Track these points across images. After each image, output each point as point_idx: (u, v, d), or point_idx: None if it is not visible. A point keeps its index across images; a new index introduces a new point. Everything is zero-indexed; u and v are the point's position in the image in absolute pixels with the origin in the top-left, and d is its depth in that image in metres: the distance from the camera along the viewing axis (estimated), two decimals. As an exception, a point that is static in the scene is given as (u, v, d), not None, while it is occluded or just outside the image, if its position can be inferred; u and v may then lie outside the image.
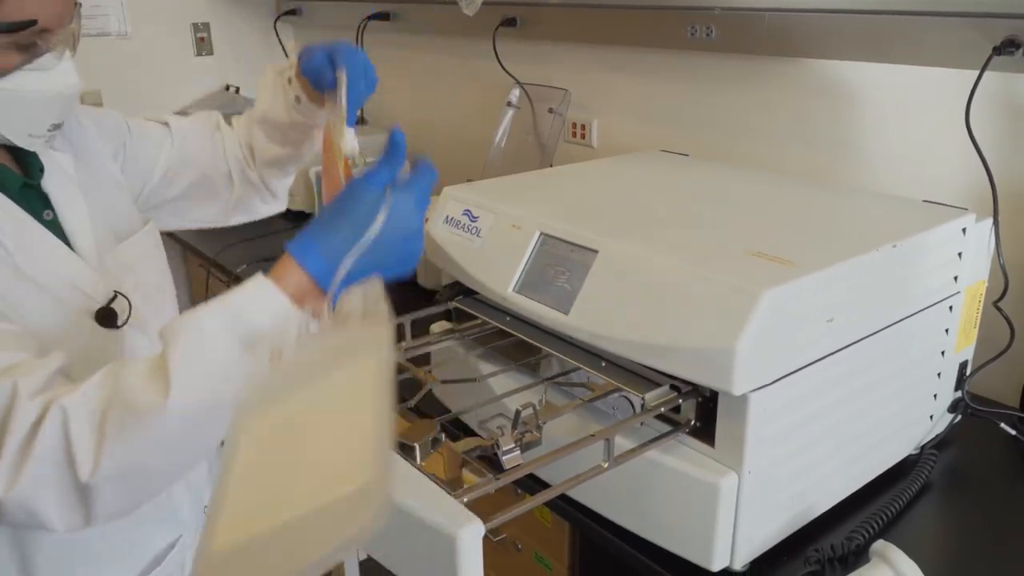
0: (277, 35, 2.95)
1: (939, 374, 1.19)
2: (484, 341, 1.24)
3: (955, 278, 1.13)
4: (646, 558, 1.03)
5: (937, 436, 1.25)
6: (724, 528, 0.95)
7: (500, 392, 1.14)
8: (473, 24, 1.97)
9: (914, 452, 1.22)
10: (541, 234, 1.09)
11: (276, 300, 0.73)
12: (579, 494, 1.10)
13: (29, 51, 0.82)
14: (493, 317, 1.19)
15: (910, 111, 1.45)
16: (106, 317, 0.93)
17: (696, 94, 1.79)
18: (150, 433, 0.71)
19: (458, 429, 1.17)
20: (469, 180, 1.61)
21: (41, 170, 0.93)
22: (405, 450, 0.86)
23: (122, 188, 1.05)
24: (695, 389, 0.97)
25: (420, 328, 1.21)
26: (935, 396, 1.20)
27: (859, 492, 1.12)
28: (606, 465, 0.93)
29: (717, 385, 0.90)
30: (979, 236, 1.15)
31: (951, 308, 1.15)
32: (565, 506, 1.11)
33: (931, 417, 1.21)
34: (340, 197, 0.77)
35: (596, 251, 1.02)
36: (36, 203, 0.91)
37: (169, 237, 1.79)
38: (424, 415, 1.21)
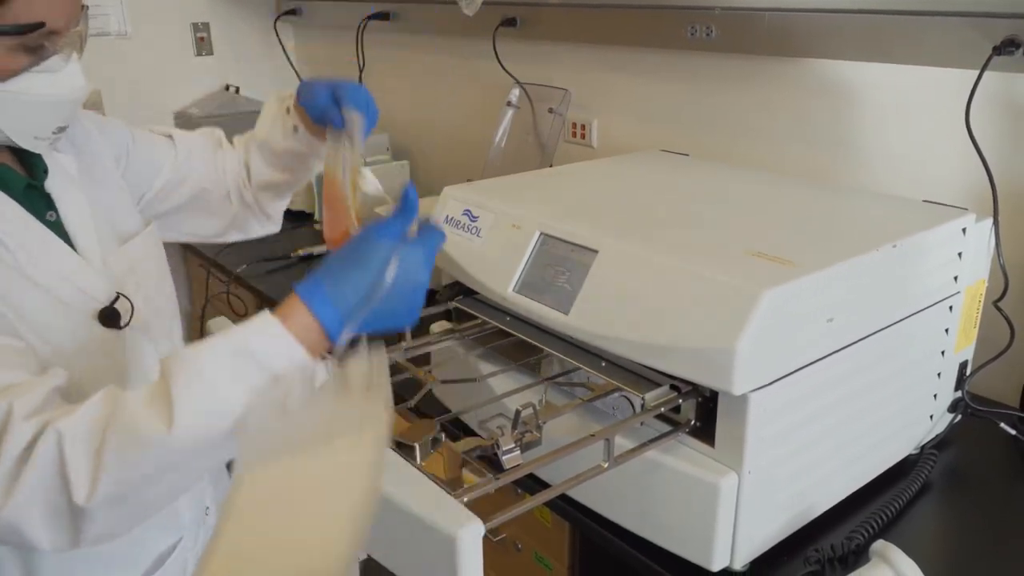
0: (277, 35, 2.95)
1: (939, 374, 1.19)
2: (484, 341, 1.24)
3: (955, 278, 1.13)
4: (646, 558, 1.03)
5: (937, 436, 1.25)
6: (724, 528, 0.95)
7: (500, 392, 1.14)
8: (473, 24, 1.97)
9: (914, 452, 1.22)
10: (541, 234, 1.09)
11: (281, 338, 0.73)
12: (579, 494, 1.10)
13: (36, 53, 0.82)
14: (493, 317, 1.19)
15: (910, 111, 1.45)
16: (109, 317, 0.93)
17: (696, 94, 1.79)
18: (150, 460, 0.71)
19: (458, 429, 1.17)
20: (469, 180, 1.61)
21: (45, 171, 0.93)
22: (405, 450, 0.86)
23: (124, 190, 1.06)
24: (695, 389, 0.97)
25: (420, 328, 1.21)
26: (935, 396, 1.21)
27: (859, 492, 1.12)
28: (606, 465, 0.93)
29: (717, 385, 0.90)
30: (979, 236, 1.15)
31: (951, 308, 1.15)
32: (565, 506, 1.11)
33: (931, 417, 1.21)
34: (353, 246, 0.77)
35: (596, 251, 1.02)
36: (39, 204, 0.92)
37: (169, 237, 1.79)
38: (424, 415, 1.21)
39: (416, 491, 0.76)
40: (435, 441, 0.91)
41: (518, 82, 2.12)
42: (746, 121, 1.70)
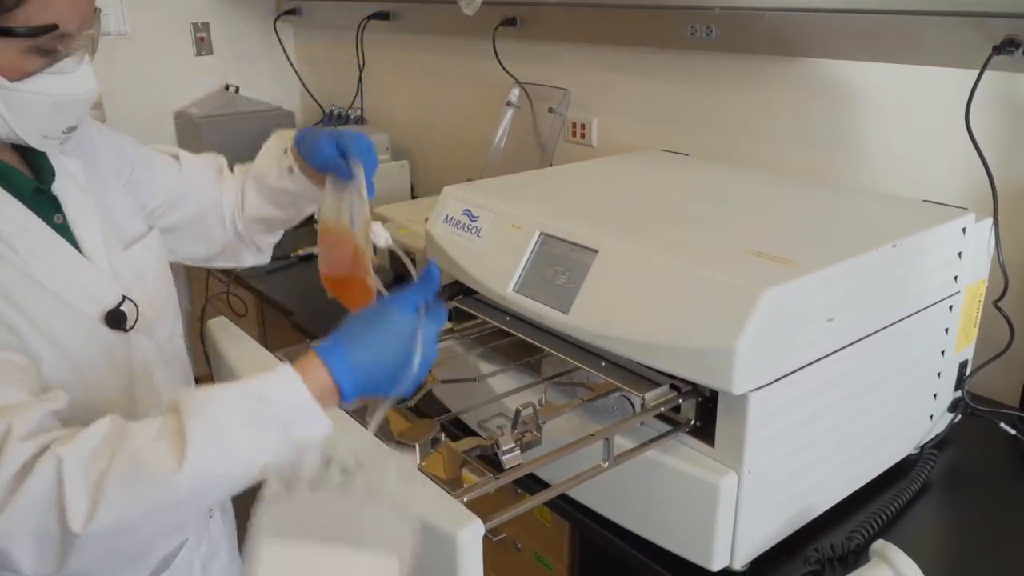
0: (277, 35, 2.95)
1: (939, 374, 1.19)
2: (484, 341, 1.25)
3: (955, 278, 1.13)
4: (646, 558, 1.03)
5: (937, 436, 1.25)
6: (724, 528, 0.95)
7: (500, 392, 1.14)
8: (473, 24, 1.97)
9: (914, 452, 1.22)
10: (541, 234, 1.09)
11: (298, 392, 0.74)
12: (579, 494, 1.10)
13: (49, 56, 0.83)
14: (493, 317, 1.19)
15: (910, 111, 1.45)
16: (115, 319, 0.94)
17: (696, 94, 1.79)
18: (154, 496, 0.71)
19: (458, 429, 1.17)
20: (469, 180, 1.61)
21: (52, 175, 0.94)
22: (405, 450, 0.86)
23: (127, 195, 1.06)
24: (695, 389, 0.97)
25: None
26: (935, 396, 1.21)
27: (859, 492, 1.12)
28: (606, 465, 0.93)
29: (717, 385, 0.90)
30: (979, 236, 1.15)
31: (951, 308, 1.15)
32: (565, 506, 1.11)
33: (931, 417, 1.21)
34: (377, 317, 0.80)
35: (596, 251, 1.02)
36: (47, 207, 0.92)
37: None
38: (424, 415, 1.21)
39: (416, 491, 0.76)
40: (435, 441, 0.91)
41: (518, 82, 2.12)
42: (746, 121, 1.70)
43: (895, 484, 1.15)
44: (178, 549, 1.05)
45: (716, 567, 0.97)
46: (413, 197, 2.48)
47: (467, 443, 0.92)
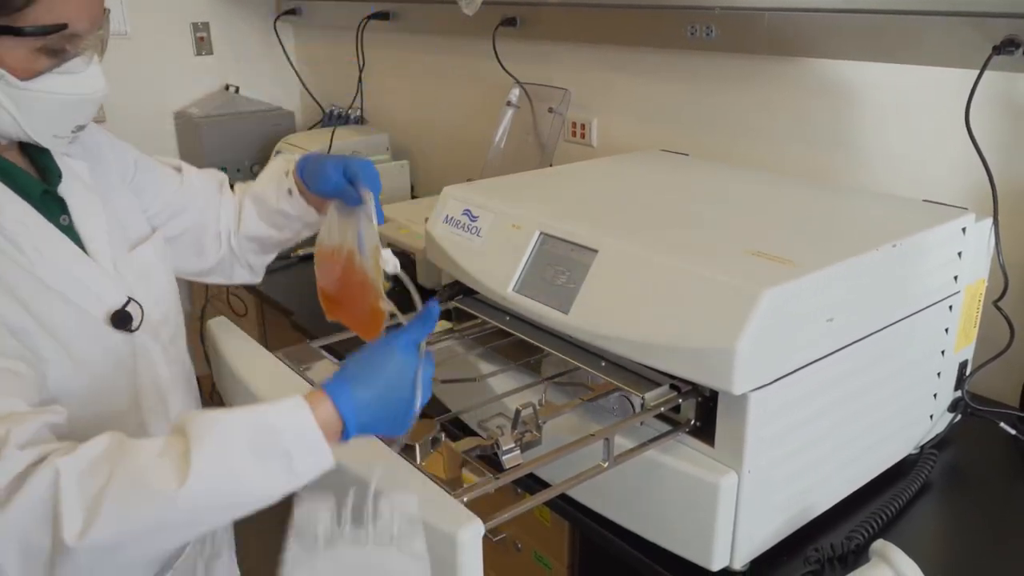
0: (277, 35, 2.95)
1: (939, 374, 1.19)
2: (484, 341, 1.25)
3: (955, 278, 1.13)
4: (646, 558, 1.03)
5: (937, 436, 1.25)
6: (724, 528, 0.95)
7: (500, 392, 1.14)
8: (473, 24, 1.97)
9: (914, 452, 1.22)
10: (541, 234, 1.09)
11: (305, 421, 0.74)
12: (579, 494, 1.10)
13: (58, 55, 0.83)
14: (493, 317, 1.19)
15: (910, 111, 1.45)
16: (121, 320, 0.94)
17: (696, 94, 1.79)
18: (152, 514, 0.71)
19: (458, 429, 1.17)
20: (469, 180, 1.61)
21: (59, 176, 0.94)
22: (405, 450, 0.86)
23: (132, 197, 1.06)
24: (695, 389, 0.97)
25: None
26: (935, 396, 1.21)
27: (859, 492, 1.12)
28: (606, 465, 0.93)
29: (717, 385, 0.90)
30: (979, 235, 1.15)
31: (951, 307, 1.15)
32: (565, 506, 1.11)
33: (931, 417, 1.21)
34: (381, 359, 0.81)
35: (596, 251, 1.02)
36: (53, 208, 0.93)
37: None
38: (424, 415, 1.21)
39: (416, 491, 0.76)
40: (435, 441, 0.91)
41: (518, 82, 2.12)
42: (746, 121, 1.70)
43: (895, 484, 1.15)
44: (179, 551, 1.05)
45: (716, 567, 0.97)
46: (413, 197, 2.48)
47: (467, 443, 0.92)
